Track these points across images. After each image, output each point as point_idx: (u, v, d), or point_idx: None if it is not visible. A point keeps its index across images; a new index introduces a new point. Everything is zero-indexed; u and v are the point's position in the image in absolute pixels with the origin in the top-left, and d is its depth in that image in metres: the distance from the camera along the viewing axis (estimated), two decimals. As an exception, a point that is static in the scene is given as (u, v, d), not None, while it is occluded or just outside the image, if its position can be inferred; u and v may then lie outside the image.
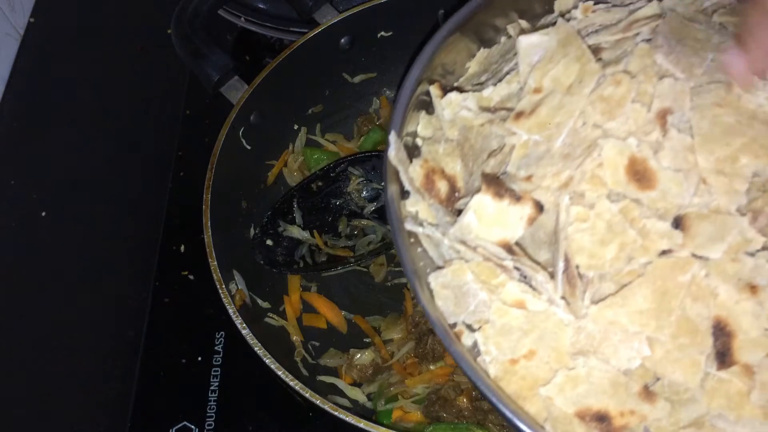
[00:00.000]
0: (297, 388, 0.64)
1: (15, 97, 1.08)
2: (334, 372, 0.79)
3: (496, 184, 0.48)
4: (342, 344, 0.82)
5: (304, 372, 0.77)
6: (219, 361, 0.80)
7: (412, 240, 0.52)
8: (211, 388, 0.79)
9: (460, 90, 0.58)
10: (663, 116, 0.50)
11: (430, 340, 0.77)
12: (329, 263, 0.86)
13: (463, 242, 0.48)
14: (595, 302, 0.47)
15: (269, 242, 0.85)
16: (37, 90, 1.10)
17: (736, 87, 0.50)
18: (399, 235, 0.51)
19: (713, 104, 0.49)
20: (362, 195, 0.89)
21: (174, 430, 0.76)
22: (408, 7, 0.89)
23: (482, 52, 0.62)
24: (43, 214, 0.96)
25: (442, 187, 0.53)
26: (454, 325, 0.49)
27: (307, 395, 0.63)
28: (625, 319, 0.45)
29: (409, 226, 0.51)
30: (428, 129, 0.58)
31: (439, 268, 0.50)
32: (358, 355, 0.79)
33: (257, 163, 0.89)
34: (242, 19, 1.07)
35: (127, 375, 0.81)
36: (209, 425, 0.76)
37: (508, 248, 0.48)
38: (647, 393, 0.45)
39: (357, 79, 0.96)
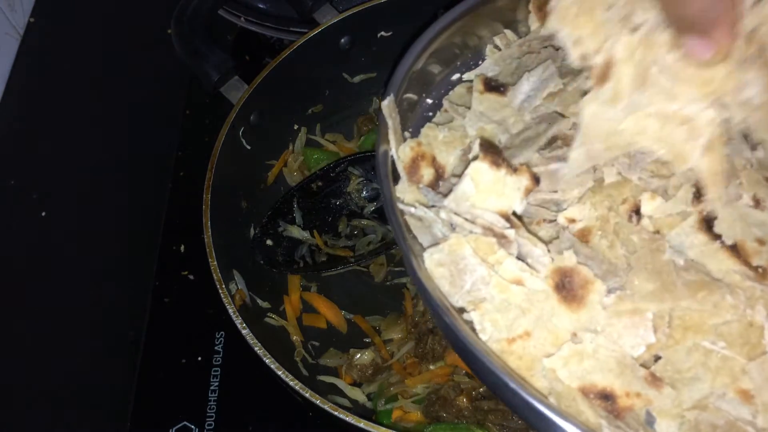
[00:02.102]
0: (297, 388, 0.64)
1: (15, 97, 1.08)
2: (334, 372, 0.79)
3: (494, 152, 0.47)
4: (342, 344, 0.82)
5: (304, 372, 0.78)
6: (219, 361, 0.80)
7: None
8: (211, 388, 0.79)
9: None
10: None
11: (430, 340, 0.77)
12: (329, 263, 0.85)
13: (459, 214, 0.47)
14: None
15: (269, 242, 0.85)
16: (37, 90, 1.10)
17: None
18: (387, 187, 0.50)
19: None
20: (362, 195, 0.89)
21: (174, 430, 0.76)
22: (408, 7, 0.89)
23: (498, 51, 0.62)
24: (43, 214, 0.96)
25: (426, 174, 0.52)
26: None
27: (307, 395, 0.63)
28: (641, 304, 0.45)
29: (400, 206, 0.50)
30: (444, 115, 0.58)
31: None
32: (358, 355, 0.79)
33: (257, 163, 0.89)
34: (242, 19, 1.07)
35: (127, 375, 0.81)
36: (209, 425, 0.76)
37: (506, 218, 0.47)
38: (653, 378, 0.44)
39: (357, 79, 0.96)
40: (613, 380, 0.43)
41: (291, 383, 0.64)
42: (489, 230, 0.46)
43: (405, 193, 0.51)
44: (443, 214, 0.48)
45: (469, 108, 0.57)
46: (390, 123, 0.52)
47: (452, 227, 0.48)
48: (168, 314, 0.84)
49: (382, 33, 0.92)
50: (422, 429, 0.73)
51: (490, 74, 0.60)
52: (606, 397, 0.43)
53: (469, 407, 0.73)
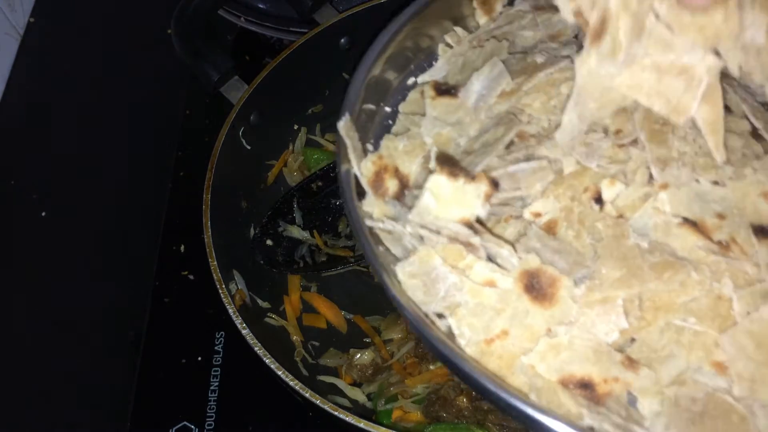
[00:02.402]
0: (297, 388, 0.64)
1: (15, 97, 1.08)
2: (334, 372, 0.79)
3: (450, 163, 0.48)
4: (342, 344, 0.82)
5: (304, 372, 0.78)
6: (219, 361, 0.81)
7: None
8: (211, 388, 0.79)
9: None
10: None
11: (430, 340, 0.77)
12: (329, 263, 0.86)
13: (425, 227, 0.48)
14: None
15: (269, 242, 0.85)
16: (37, 90, 1.10)
17: None
18: (353, 207, 0.50)
19: None
20: (362, 195, 0.90)
21: (174, 430, 0.76)
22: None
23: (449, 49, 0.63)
24: (43, 214, 0.96)
25: (391, 186, 0.52)
26: (425, 316, 0.48)
27: (307, 395, 0.63)
28: (610, 292, 0.46)
29: (369, 222, 0.50)
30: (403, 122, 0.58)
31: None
32: (358, 355, 0.79)
33: (257, 163, 0.89)
34: (242, 19, 1.07)
35: (127, 375, 0.81)
36: (209, 425, 0.76)
37: (470, 227, 0.48)
38: (630, 361, 0.44)
39: (357, 79, 0.95)
40: (590, 368, 0.44)
41: (291, 383, 0.64)
42: (455, 240, 0.47)
43: (372, 207, 0.52)
44: (409, 228, 0.49)
45: (423, 115, 0.57)
46: (348, 142, 0.52)
47: (421, 238, 0.49)
48: (168, 314, 0.84)
49: (382, 33, 0.92)
50: (422, 429, 0.73)
51: (439, 77, 0.60)
52: (585, 385, 0.44)
53: (469, 407, 0.73)
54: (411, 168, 0.53)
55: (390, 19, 0.60)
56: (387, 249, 0.50)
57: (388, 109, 0.60)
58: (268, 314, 0.81)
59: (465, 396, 0.73)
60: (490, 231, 0.49)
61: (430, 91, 0.57)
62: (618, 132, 0.52)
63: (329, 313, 0.84)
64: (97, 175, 1.00)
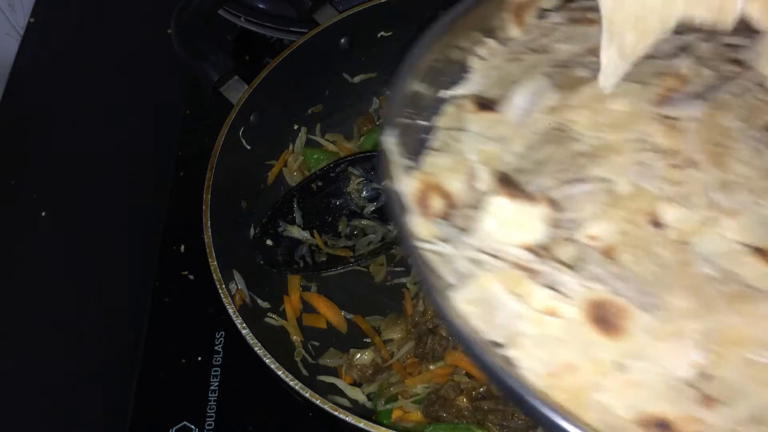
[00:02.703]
0: (297, 388, 0.64)
1: (15, 97, 1.08)
2: (334, 372, 0.79)
3: (510, 184, 0.46)
4: (342, 344, 0.82)
5: (304, 372, 0.78)
6: (219, 361, 0.81)
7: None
8: (211, 388, 0.79)
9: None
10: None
11: (430, 340, 0.77)
12: (329, 263, 0.86)
13: (484, 251, 0.45)
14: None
15: (269, 242, 0.85)
16: (37, 90, 1.10)
17: None
18: (406, 228, 0.47)
19: None
20: (362, 195, 0.90)
21: (174, 430, 0.76)
22: (408, 6, 0.89)
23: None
24: (43, 214, 0.96)
25: (437, 205, 0.50)
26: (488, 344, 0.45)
27: (307, 395, 0.63)
28: (682, 323, 0.43)
29: (417, 243, 0.48)
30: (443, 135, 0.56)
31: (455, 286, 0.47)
32: (358, 355, 0.79)
33: (257, 163, 0.89)
34: (242, 19, 1.07)
35: (127, 375, 0.81)
36: (209, 425, 0.76)
37: (532, 250, 0.46)
38: (707, 399, 0.42)
39: (357, 79, 0.96)
40: (666, 407, 0.41)
41: (291, 383, 0.64)
42: (516, 266, 0.45)
43: (419, 227, 0.49)
44: (467, 251, 0.46)
45: (462, 130, 0.55)
46: (395, 159, 0.50)
47: (476, 262, 0.46)
48: (168, 314, 0.84)
49: (382, 33, 0.92)
50: (422, 429, 0.73)
51: (475, 90, 0.58)
52: (664, 425, 0.41)
53: (469, 407, 0.73)
54: (455, 186, 0.51)
55: (421, 30, 0.58)
56: (435, 272, 0.47)
57: (423, 123, 0.58)
58: (268, 314, 0.81)
59: (465, 396, 0.73)
60: (551, 255, 0.46)
61: (469, 106, 0.55)
62: (671, 151, 0.49)
63: (329, 313, 0.84)
64: (97, 175, 1.00)
